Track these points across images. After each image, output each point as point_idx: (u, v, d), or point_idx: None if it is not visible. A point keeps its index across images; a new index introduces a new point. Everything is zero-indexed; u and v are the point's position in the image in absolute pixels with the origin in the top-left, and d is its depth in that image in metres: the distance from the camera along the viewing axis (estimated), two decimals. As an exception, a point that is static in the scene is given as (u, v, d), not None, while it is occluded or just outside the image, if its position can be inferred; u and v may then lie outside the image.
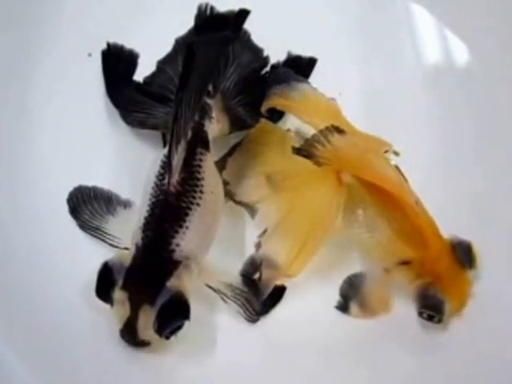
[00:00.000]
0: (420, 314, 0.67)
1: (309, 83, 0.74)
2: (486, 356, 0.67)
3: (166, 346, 0.66)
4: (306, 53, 0.79)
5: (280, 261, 0.67)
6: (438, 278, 0.67)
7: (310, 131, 0.70)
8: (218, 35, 0.69)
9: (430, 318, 0.67)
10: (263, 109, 0.73)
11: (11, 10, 0.79)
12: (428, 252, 0.66)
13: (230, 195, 0.72)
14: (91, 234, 0.71)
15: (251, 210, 0.72)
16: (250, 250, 0.71)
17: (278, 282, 0.69)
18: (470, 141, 0.78)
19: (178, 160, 0.65)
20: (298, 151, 0.67)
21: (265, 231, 0.69)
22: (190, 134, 0.66)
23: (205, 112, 0.71)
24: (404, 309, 0.69)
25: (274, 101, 0.72)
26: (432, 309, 0.66)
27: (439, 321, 0.66)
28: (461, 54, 0.81)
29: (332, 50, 0.80)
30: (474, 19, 0.81)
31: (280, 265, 0.67)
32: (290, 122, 0.75)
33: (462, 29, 0.82)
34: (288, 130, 0.75)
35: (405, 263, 0.67)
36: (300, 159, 0.68)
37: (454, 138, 0.78)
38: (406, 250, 0.67)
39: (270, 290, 0.68)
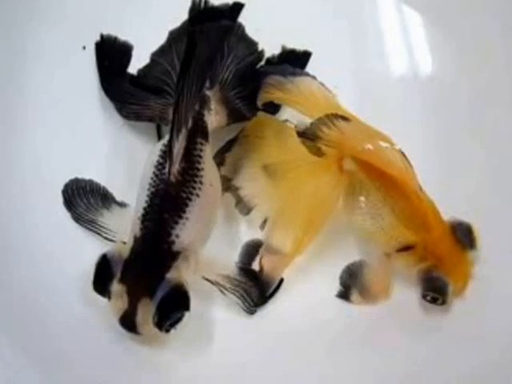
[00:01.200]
0: (424, 296, 0.67)
1: (308, 74, 0.73)
2: (488, 336, 0.68)
3: (163, 341, 0.65)
4: (300, 46, 0.78)
5: (283, 251, 0.67)
6: (440, 261, 0.67)
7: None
8: (218, 24, 0.69)
9: (433, 301, 0.67)
10: (259, 102, 0.72)
11: (5, 4, 0.78)
12: (430, 235, 0.67)
13: (234, 190, 0.72)
14: (85, 227, 0.70)
15: (244, 206, 0.71)
16: (244, 241, 0.71)
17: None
18: (465, 134, 0.78)
19: (178, 149, 0.64)
20: (302, 135, 0.67)
21: (265, 221, 0.69)
22: (190, 123, 0.66)
23: (204, 103, 0.70)
24: (405, 293, 0.69)
25: (269, 93, 0.72)
26: (436, 291, 0.66)
27: (443, 302, 0.67)
28: (453, 51, 0.81)
29: (326, 44, 0.80)
30: (465, 22, 0.82)
31: (283, 254, 0.67)
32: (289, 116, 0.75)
33: (453, 29, 0.82)
34: (286, 120, 0.74)
35: (407, 248, 0.68)
36: (299, 150, 0.68)
37: (449, 131, 0.78)
38: (408, 235, 0.68)
39: (275, 283, 0.68)
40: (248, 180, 0.72)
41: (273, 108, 0.75)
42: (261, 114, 0.74)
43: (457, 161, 0.77)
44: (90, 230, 0.70)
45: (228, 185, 0.72)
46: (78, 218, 0.71)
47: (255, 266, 0.69)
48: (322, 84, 0.72)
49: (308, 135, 0.66)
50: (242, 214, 0.72)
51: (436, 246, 0.67)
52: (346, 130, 0.67)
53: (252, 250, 0.70)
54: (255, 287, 0.68)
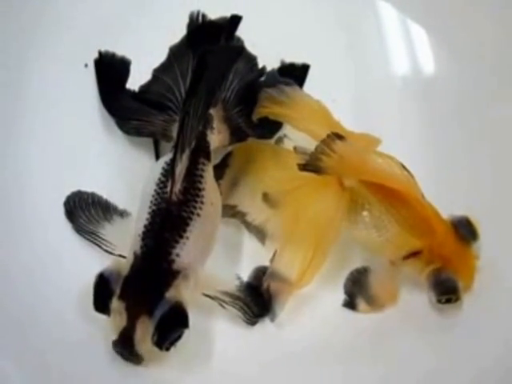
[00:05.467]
0: (439, 301, 0.67)
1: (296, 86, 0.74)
2: (500, 329, 0.69)
3: (164, 358, 0.65)
4: (298, 59, 0.78)
5: (291, 277, 0.67)
6: (447, 261, 0.67)
7: (305, 140, 0.71)
8: (229, 46, 0.69)
9: (448, 301, 0.67)
10: (254, 116, 0.72)
11: (8, 23, 0.79)
12: (435, 238, 0.67)
13: (240, 216, 0.72)
14: (86, 238, 0.70)
15: (261, 235, 0.72)
16: (245, 258, 0.72)
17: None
18: (460, 147, 0.78)
19: (181, 169, 0.65)
20: (304, 167, 0.66)
21: (274, 254, 0.69)
22: (193, 143, 0.66)
23: (207, 122, 0.70)
24: (411, 298, 0.70)
25: (265, 108, 0.72)
26: (449, 292, 0.67)
27: (456, 299, 0.67)
28: (451, 61, 0.82)
29: (325, 57, 0.80)
30: (462, 29, 0.83)
31: (291, 280, 0.67)
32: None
33: (450, 37, 0.83)
34: (285, 135, 0.75)
35: (414, 254, 0.68)
36: (297, 169, 0.67)
37: (446, 144, 0.79)
38: (413, 242, 0.68)
39: (283, 307, 0.67)
40: (252, 205, 0.72)
41: (269, 132, 0.75)
42: (250, 139, 0.73)
43: (457, 166, 0.77)
44: (91, 241, 0.70)
45: (233, 212, 0.72)
46: (78, 230, 0.71)
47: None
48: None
49: (310, 167, 0.66)
50: (259, 241, 0.72)
51: (442, 248, 0.67)
52: (345, 153, 0.66)
53: (262, 274, 0.69)
54: (256, 300, 0.68)
